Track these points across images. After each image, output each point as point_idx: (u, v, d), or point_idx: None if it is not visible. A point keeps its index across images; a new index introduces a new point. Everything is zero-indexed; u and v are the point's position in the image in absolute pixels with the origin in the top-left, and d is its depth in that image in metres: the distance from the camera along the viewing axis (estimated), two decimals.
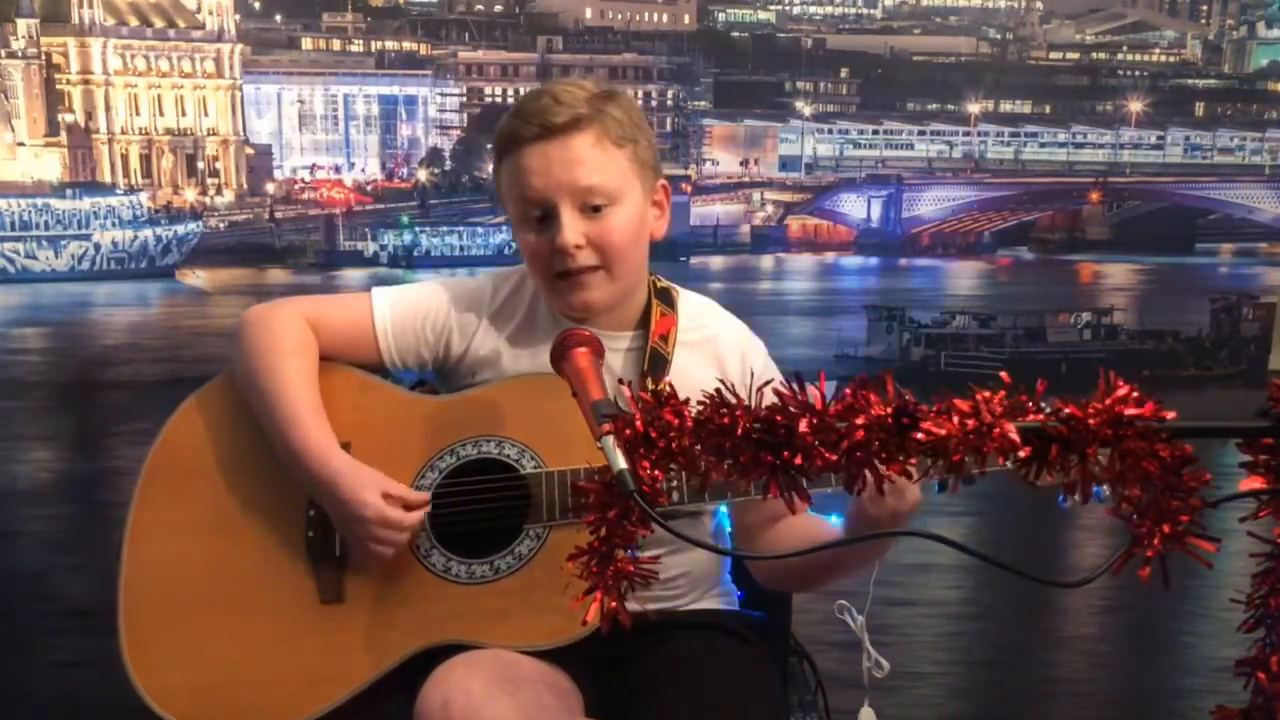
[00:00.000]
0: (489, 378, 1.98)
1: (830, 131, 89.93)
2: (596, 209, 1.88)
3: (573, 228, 1.87)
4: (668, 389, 1.20)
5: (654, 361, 1.95)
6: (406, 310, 2.00)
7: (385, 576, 1.88)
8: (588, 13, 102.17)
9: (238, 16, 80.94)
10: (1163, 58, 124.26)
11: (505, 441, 1.88)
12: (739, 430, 1.11)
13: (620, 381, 1.67)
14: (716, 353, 2.00)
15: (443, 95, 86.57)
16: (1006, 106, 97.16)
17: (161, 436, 1.99)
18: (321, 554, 1.91)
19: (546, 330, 1.91)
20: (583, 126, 1.87)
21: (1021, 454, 1.07)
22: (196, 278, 59.40)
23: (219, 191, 76.64)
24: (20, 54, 69.36)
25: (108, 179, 70.83)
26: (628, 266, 1.93)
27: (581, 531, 1.24)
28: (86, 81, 73.24)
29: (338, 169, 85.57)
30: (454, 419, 1.93)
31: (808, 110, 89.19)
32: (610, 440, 1.20)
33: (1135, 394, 1.06)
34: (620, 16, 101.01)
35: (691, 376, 1.81)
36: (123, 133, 74.66)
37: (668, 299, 2.02)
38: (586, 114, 1.87)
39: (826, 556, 1.83)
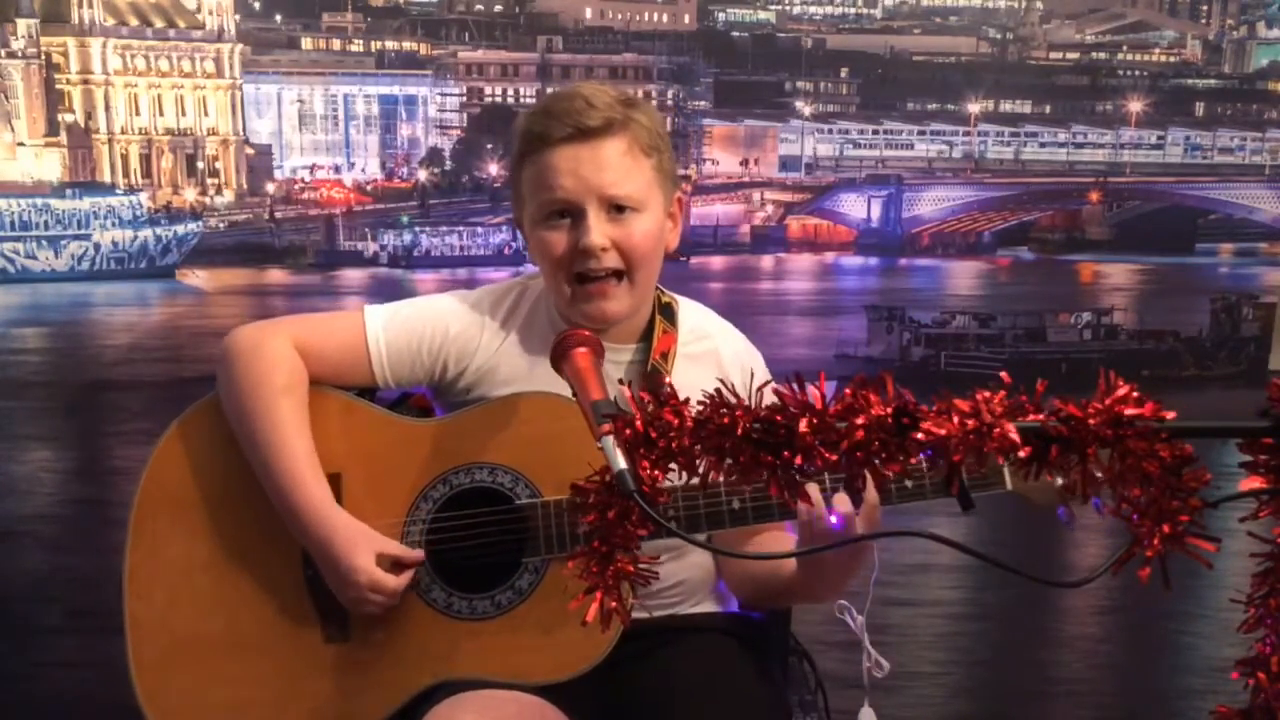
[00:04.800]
0: (485, 393, 1.96)
1: (830, 131, 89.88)
2: (622, 214, 1.88)
3: (599, 229, 1.86)
4: (668, 389, 1.20)
5: (653, 379, 1.93)
6: (401, 332, 1.97)
7: (388, 614, 1.87)
8: (588, 13, 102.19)
9: (238, 16, 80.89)
10: (1163, 58, 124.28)
11: (498, 469, 1.87)
12: (739, 430, 1.11)
13: (620, 382, 1.67)
14: (718, 363, 2.00)
15: (443, 95, 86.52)
16: (1006, 106, 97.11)
17: (148, 468, 1.96)
18: (322, 592, 1.89)
19: (545, 339, 1.89)
20: (615, 131, 1.87)
21: (1021, 454, 1.06)
22: (196, 278, 59.34)
23: (219, 191, 76.59)
24: (20, 54, 69.27)
25: (108, 179, 70.72)
26: (647, 275, 1.93)
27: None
28: (86, 81, 73.21)
29: (338, 169, 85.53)
30: (445, 445, 1.90)
31: (808, 110, 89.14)
32: (610, 440, 1.20)
33: (1135, 394, 1.06)
34: (620, 16, 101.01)
35: (694, 387, 1.81)
36: (123, 133, 74.62)
37: (670, 315, 2.01)
38: (619, 119, 1.87)
39: (786, 581, 1.89)
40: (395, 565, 1.84)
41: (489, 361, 1.97)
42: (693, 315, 2.05)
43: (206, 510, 1.94)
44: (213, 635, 1.92)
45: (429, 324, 1.98)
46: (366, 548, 1.83)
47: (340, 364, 1.95)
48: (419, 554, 1.85)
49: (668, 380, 1.90)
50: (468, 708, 1.76)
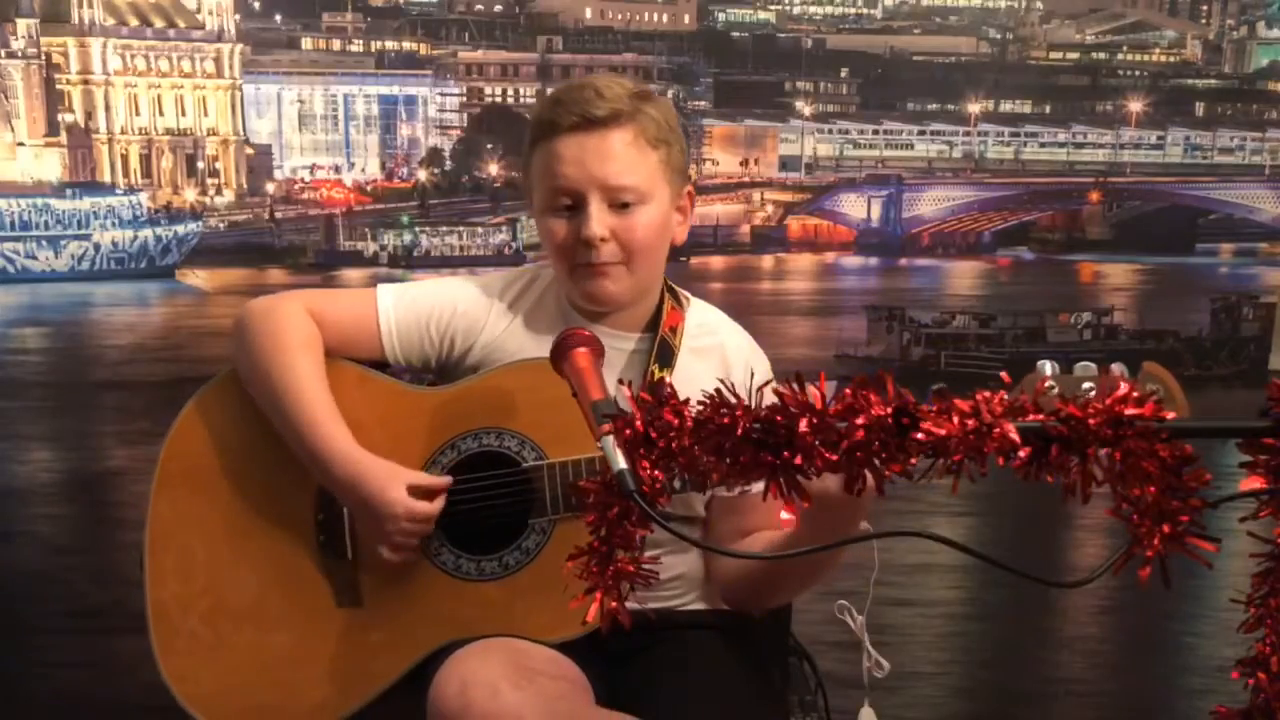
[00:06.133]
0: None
1: (830, 131, 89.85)
2: (624, 205, 1.90)
3: (600, 220, 1.88)
4: (668, 388, 1.20)
5: (663, 353, 1.96)
6: (411, 308, 2.01)
7: (398, 578, 1.90)
8: (588, 13, 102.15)
9: (238, 16, 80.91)
10: (1163, 58, 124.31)
11: (505, 433, 1.90)
12: (739, 430, 1.11)
13: (620, 381, 1.67)
14: (723, 357, 2.01)
15: (443, 95, 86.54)
16: (1006, 106, 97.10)
17: (167, 444, 2.01)
18: (334, 558, 1.94)
19: (553, 324, 1.93)
20: (622, 122, 1.88)
21: (1021, 454, 1.06)
22: (196, 278, 59.36)
23: (219, 191, 76.63)
24: (20, 54, 69.30)
25: (108, 179, 70.77)
26: (649, 265, 1.95)
27: (585, 525, 1.25)
28: (86, 81, 73.23)
29: (338, 169, 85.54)
30: (453, 412, 1.94)
31: (808, 110, 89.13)
32: (610, 440, 1.20)
33: (1135, 394, 1.06)
34: (620, 16, 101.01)
35: (697, 382, 1.82)
36: (123, 133, 74.64)
37: (676, 299, 2.04)
38: (627, 110, 1.89)
39: (777, 573, 1.88)
40: (426, 495, 1.87)
41: (495, 340, 1.99)
42: (699, 311, 2.07)
43: (223, 482, 1.99)
44: (229, 601, 1.97)
45: (438, 301, 2.01)
46: (397, 481, 1.86)
47: (351, 336, 1.99)
48: (447, 479, 1.88)
49: (669, 381, 1.90)
50: (492, 657, 1.76)
